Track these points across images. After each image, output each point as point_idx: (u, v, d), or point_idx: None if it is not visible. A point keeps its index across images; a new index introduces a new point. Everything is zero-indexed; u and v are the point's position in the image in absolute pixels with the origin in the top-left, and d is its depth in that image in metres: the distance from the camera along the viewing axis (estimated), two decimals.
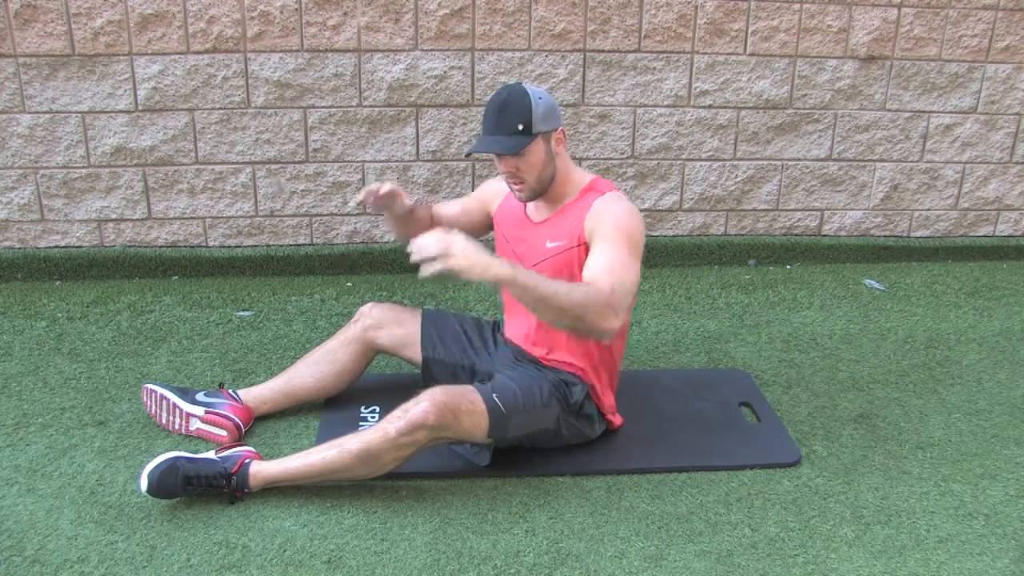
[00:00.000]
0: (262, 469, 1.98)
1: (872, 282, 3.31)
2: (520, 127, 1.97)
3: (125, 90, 3.00)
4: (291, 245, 3.27)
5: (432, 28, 3.05)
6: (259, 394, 2.29)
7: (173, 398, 2.22)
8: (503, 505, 1.99)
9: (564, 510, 1.98)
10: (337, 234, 3.28)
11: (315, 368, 2.31)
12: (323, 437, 2.22)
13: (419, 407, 1.91)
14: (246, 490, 1.98)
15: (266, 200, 3.20)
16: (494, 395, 2.02)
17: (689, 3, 3.12)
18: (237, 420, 2.20)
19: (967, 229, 3.59)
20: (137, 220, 3.17)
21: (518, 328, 2.22)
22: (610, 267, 1.90)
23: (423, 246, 1.80)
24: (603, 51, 3.15)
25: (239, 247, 3.24)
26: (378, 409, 2.34)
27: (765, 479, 2.10)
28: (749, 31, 3.19)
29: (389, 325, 2.31)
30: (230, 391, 2.28)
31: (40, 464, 2.10)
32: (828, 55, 3.25)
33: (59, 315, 2.86)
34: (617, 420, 2.26)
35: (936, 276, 3.38)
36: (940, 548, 1.87)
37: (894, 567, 1.82)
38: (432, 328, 2.32)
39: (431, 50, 3.08)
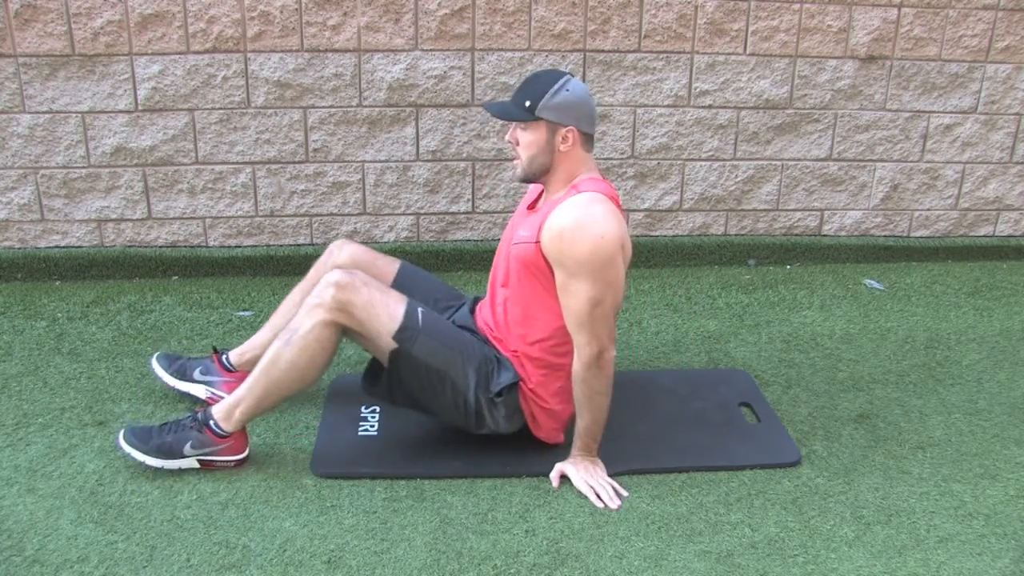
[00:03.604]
0: (221, 403, 2.07)
1: (872, 282, 3.31)
2: (527, 103, 1.96)
3: (125, 90, 3.00)
4: (291, 245, 3.27)
5: (432, 28, 3.05)
6: (252, 357, 2.29)
7: (172, 382, 2.35)
8: (503, 505, 1.99)
9: (564, 510, 1.98)
10: (337, 234, 3.28)
11: (293, 309, 2.26)
12: (323, 437, 2.23)
13: (325, 275, 2.01)
14: (211, 422, 2.04)
15: (266, 200, 3.20)
16: (420, 309, 2.04)
17: (689, 3, 3.12)
18: None
19: (967, 229, 3.59)
20: (137, 220, 3.17)
21: (485, 315, 2.19)
22: (574, 315, 1.94)
23: (610, 504, 2.01)
24: (603, 51, 3.15)
25: (239, 247, 3.24)
26: (379, 409, 2.35)
27: (765, 479, 2.11)
28: (749, 31, 3.19)
29: (363, 268, 2.25)
30: (222, 358, 2.35)
31: (40, 464, 2.10)
32: (828, 55, 3.25)
33: (59, 315, 2.86)
34: (550, 439, 2.19)
35: (936, 276, 3.38)
36: (940, 548, 1.88)
37: (894, 567, 1.82)
38: (405, 282, 2.27)
39: (431, 50, 3.08)
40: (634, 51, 3.16)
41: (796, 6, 3.17)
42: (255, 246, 3.25)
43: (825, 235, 3.51)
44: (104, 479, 2.04)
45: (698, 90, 3.24)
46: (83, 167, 3.08)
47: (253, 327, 2.84)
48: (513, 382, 2.06)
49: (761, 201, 3.43)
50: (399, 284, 2.26)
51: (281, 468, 2.11)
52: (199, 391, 2.34)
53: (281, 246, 3.26)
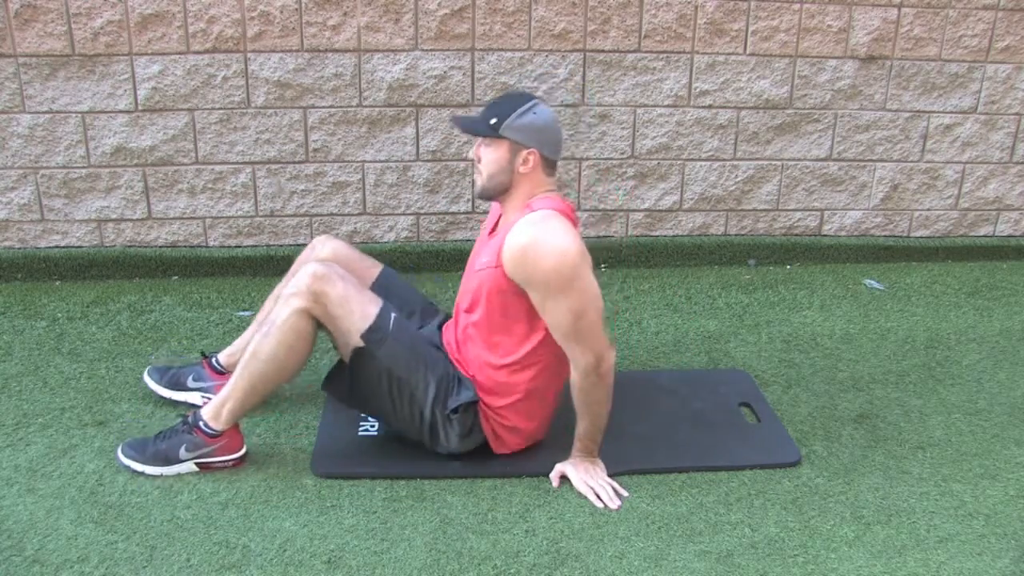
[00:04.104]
0: (208, 404, 2.07)
1: (872, 282, 3.31)
2: (493, 121, 1.98)
3: (125, 90, 3.00)
4: (291, 245, 3.27)
5: (432, 28, 3.05)
6: (239, 351, 2.31)
7: (167, 394, 2.35)
8: (503, 505, 1.99)
9: (564, 510, 1.98)
10: (337, 234, 3.28)
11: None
12: (323, 437, 2.23)
13: (303, 268, 2.02)
14: (201, 423, 2.04)
15: (266, 200, 3.20)
16: (392, 314, 2.05)
17: (689, 3, 3.12)
18: None
19: (967, 229, 3.58)
20: (137, 220, 3.17)
21: (449, 336, 2.20)
22: (564, 330, 1.94)
23: (611, 505, 2.02)
24: (603, 51, 3.15)
25: (239, 247, 3.24)
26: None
27: (765, 479, 2.11)
28: (749, 31, 3.19)
29: (344, 264, 2.23)
30: (212, 361, 2.36)
31: (40, 464, 2.10)
32: (828, 55, 3.25)
33: (59, 315, 2.86)
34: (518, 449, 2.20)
35: (936, 276, 3.38)
36: (940, 548, 1.88)
37: (894, 567, 1.82)
38: (385, 287, 2.27)
39: (431, 50, 3.08)
40: (634, 51, 3.16)
41: (796, 6, 3.17)
42: (255, 246, 3.25)
43: (825, 235, 3.51)
44: (104, 479, 2.04)
45: (698, 90, 3.24)
46: (83, 167, 3.08)
47: None
48: (471, 401, 2.05)
49: (761, 201, 3.43)
50: (378, 287, 2.25)
51: (281, 468, 2.11)
52: (195, 398, 2.35)
53: (281, 246, 3.26)
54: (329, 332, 2.03)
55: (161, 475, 2.05)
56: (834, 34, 3.22)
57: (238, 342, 2.38)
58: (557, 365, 2.04)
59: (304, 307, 1.97)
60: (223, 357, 2.37)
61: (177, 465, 2.05)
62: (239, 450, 2.10)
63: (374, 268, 2.33)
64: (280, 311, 1.99)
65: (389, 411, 2.08)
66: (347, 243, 2.35)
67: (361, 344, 2.00)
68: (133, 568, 1.77)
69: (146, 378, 2.38)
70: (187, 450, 2.05)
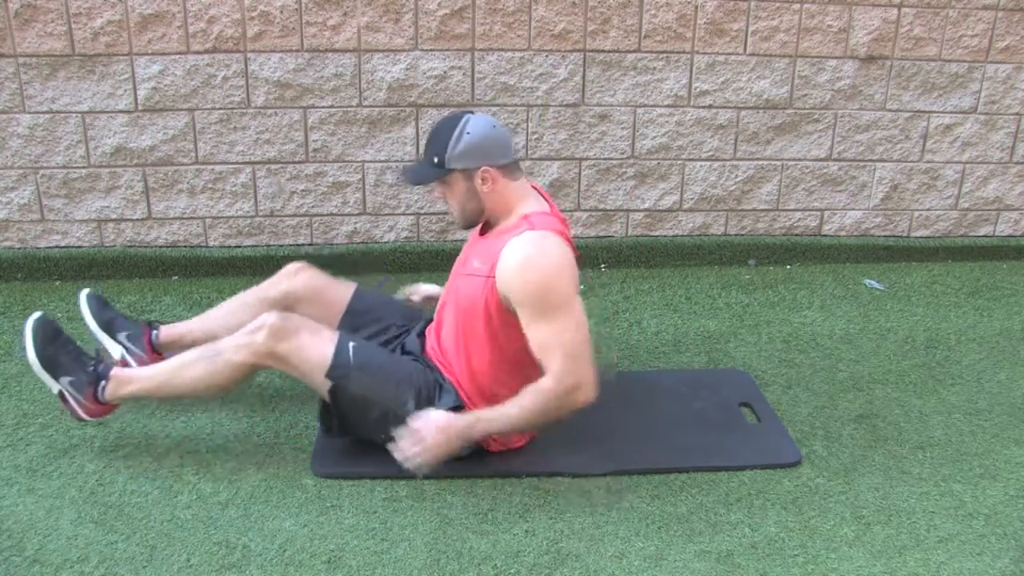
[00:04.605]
0: (121, 370, 2.09)
1: (872, 282, 3.31)
2: (435, 160, 1.96)
3: (125, 90, 3.00)
4: (291, 245, 3.27)
5: (432, 28, 3.05)
6: (179, 344, 2.31)
7: (93, 327, 2.35)
8: (503, 505, 1.99)
9: (564, 510, 1.98)
10: (337, 234, 3.28)
11: (232, 319, 2.27)
12: (323, 438, 2.22)
13: (263, 314, 2.01)
14: (103, 384, 2.05)
15: (266, 200, 3.20)
16: (351, 343, 2.04)
17: (689, 3, 3.12)
18: None
19: (967, 229, 3.59)
20: (137, 220, 3.17)
21: (432, 339, 2.19)
22: (550, 345, 1.90)
23: (404, 454, 1.94)
24: (603, 51, 3.15)
25: (239, 247, 3.24)
26: None
27: (765, 479, 2.11)
28: (749, 31, 3.19)
29: (312, 302, 2.26)
30: (152, 335, 2.33)
31: (40, 464, 2.10)
32: (828, 55, 3.25)
33: (59, 315, 2.86)
34: (510, 446, 2.16)
35: (936, 276, 3.38)
36: (940, 548, 1.88)
37: (894, 567, 1.82)
38: (359, 308, 2.28)
39: (431, 50, 3.08)
40: (634, 51, 3.16)
41: (796, 6, 3.17)
42: (255, 246, 3.25)
43: (825, 235, 3.51)
44: (104, 479, 2.04)
45: (698, 90, 3.24)
46: (83, 167, 3.08)
47: None
48: (455, 405, 2.04)
49: (761, 201, 3.43)
50: (352, 309, 2.27)
51: (281, 468, 2.11)
52: (115, 350, 2.34)
53: (281, 246, 3.26)
54: (292, 374, 2.04)
55: (32, 369, 2.06)
56: (834, 34, 3.22)
57: (183, 329, 2.33)
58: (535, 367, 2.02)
59: (252, 362, 2.00)
60: (163, 334, 2.33)
61: (51, 380, 2.06)
62: (96, 418, 2.11)
63: (347, 290, 2.32)
64: (229, 352, 2.00)
65: (381, 433, 2.06)
66: (317, 271, 2.34)
67: (329, 383, 2.01)
68: (133, 568, 1.77)
69: (82, 299, 2.38)
70: (71, 384, 2.06)
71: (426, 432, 1.93)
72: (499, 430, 1.99)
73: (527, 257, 1.91)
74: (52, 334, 2.09)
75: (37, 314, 2.09)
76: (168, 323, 2.38)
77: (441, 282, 2.35)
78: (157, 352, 2.34)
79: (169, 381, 2.05)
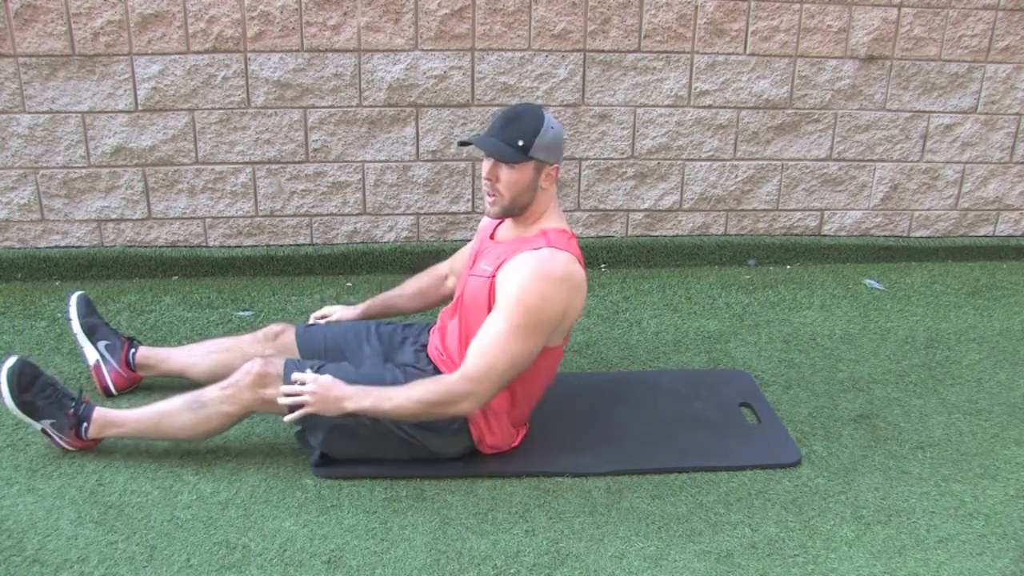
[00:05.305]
0: (104, 412, 2.10)
1: (872, 282, 3.31)
2: (520, 143, 1.94)
3: (125, 90, 3.00)
4: (291, 245, 3.27)
5: (432, 28, 3.05)
6: (155, 370, 2.38)
7: (76, 328, 2.39)
8: (503, 505, 1.99)
9: (564, 510, 1.98)
10: (337, 234, 3.28)
11: (208, 360, 2.33)
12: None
13: (247, 362, 2.03)
14: (85, 425, 2.07)
15: (266, 200, 3.20)
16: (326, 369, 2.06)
17: (689, 3, 3.12)
18: (110, 385, 2.37)
19: (967, 229, 3.59)
20: (137, 220, 3.17)
21: (436, 342, 2.20)
22: (483, 350, 1.92)
23: (287, 398, 1.96)
24: (603, 51, 3.15)
25: (239, 247, 3.24)
26: None
27: (765, 479, 2.11)
28: (749, 31, 3.19)
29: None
30: (130, 352, 2.38)
31: (40, 464, 2.10)
32: (828, 55, 3.25)
33: (59, 315, 2.86)
34: (506, 444, 2.16)
35: (936, 276, 3.38)
36: (940, 548, 1.88)
37: (894, 567, 1.82)
38: (344, 347, 2.30)
39: (431, 50, 3.08)
40: (634, 51, 3.16)
41: (796, 6, 3.17)
42: (255, 246, 3.25)
43: (825, 235, 3.51)
44: (104, 479, 2.04)
45: (698, 90, 3.24)
46: (83, 167, 3.08)
47: (253, 327, 2.84)
48: None
49: (761, 201, 3.43)
50: (343, 349, 2.29)
51: (281, 468, 2.11)
52: (90, 356, 2.38)
53: (281, 246, 3.26)
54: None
55: (10, 412, 2.07)
56: (834, 34, 3.22)
57: (162, 355, 2.39)
58: (533, 368, 2.02)
59: (236, 412, 2.04)
60: (141, 354, 2.38)
61: (32, 422, 2.08)
62: (79, 448, 2.12)
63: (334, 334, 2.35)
64: (214, 402, 2.03)
65: (373, 448, 2.07)
66: (297, 328, 2.36)
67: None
68: (133, 568, 1.77)
69: (73, 300, 2.43)
70: (52, 426, 2.08)
71: (310, 386, 1.96)
72: (376, 408, 1.95)
73: (531, 268, 1.93)
74: (29, 380, 2.08)
75: (11, 360, 2.08)
76: (148, 345, 2.44)
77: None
78: (132, 369, 2.39)
79: (156, 427, 2.08)
